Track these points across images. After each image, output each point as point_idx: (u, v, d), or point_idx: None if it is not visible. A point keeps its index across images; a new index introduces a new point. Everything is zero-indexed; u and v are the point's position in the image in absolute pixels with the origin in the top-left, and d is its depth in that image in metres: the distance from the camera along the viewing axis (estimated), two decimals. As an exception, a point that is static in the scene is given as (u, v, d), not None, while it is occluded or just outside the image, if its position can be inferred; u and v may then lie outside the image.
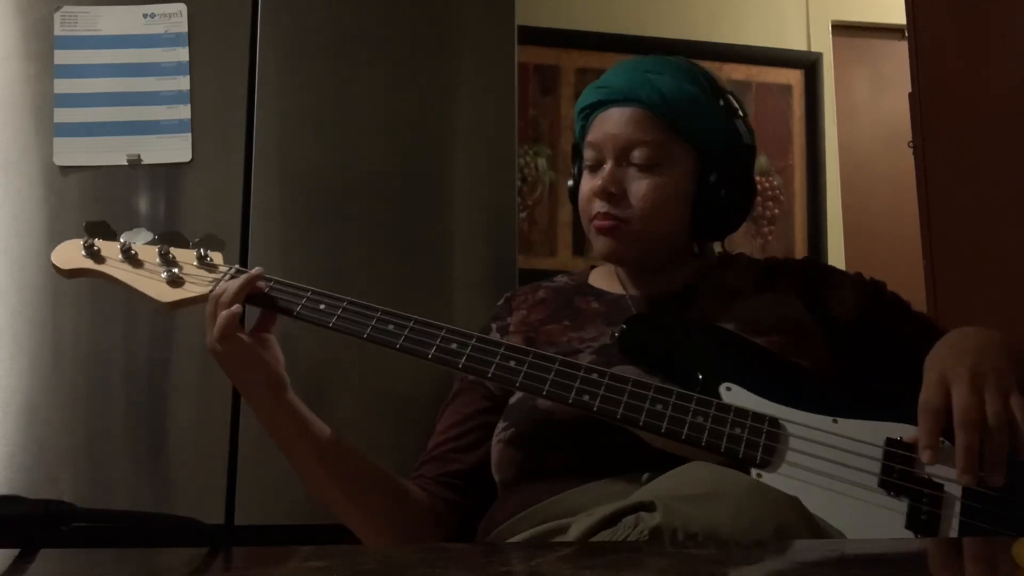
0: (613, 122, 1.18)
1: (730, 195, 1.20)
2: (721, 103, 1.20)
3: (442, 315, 1.56)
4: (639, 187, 1.16)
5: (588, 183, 1.20)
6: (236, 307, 1.08)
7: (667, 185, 1.17)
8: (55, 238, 1.49)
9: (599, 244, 1.20)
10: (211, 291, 1.11)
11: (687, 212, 1.20)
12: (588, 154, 1.21)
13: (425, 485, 1.18)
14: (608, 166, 1.18)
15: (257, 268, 1.13)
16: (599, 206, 1.18)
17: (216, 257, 1.17)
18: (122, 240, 1.15)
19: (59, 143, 1.54)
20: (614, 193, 1.17)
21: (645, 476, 0.99)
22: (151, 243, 1.17)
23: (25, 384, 1.48)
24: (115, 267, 1.15)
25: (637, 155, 1.17)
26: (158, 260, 1.15)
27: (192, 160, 1.55)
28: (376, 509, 1.14)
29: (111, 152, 1.55)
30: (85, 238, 1.15)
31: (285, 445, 1.13)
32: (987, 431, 0.91)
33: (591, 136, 1.21)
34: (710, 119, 1.19)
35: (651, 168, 1.16)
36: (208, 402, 1.50)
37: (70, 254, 1.15)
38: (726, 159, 1.20)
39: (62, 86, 1.56)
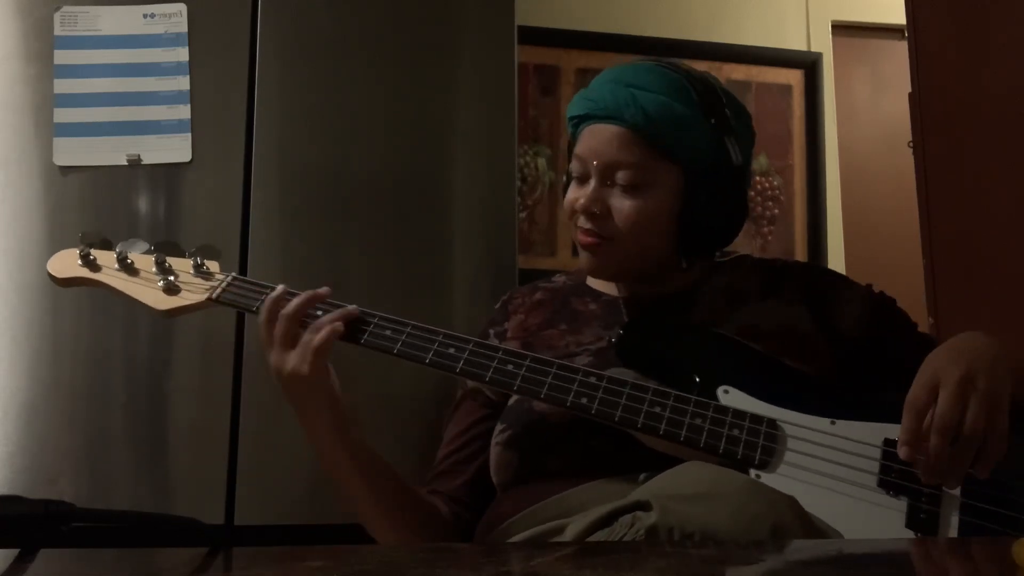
0: (597, 140, 1.16)
1: (717, 214, 1.18)
2: (712, 121, 1.16)
3: (442, 315, 1.57)
4: (622, 207, 1.15)
5: (574, 193, 1.19)
6: (340, 325, 1.06)
7: (650, 206, 1.15)
8: (55, 238, 1.51)
9: (583, 258, 1.20)
10: (270, 307, 1.08)
11: (672, 230, 1.17)
12: (575, 165, 1.19)
13: (444, 503, 1.19)
14: (592, 184, 1.16)
15: (353, 306, 1.10)
16: (583, 222, 1.17)
17: (212, 265, 1.17)
18: (118, 249, 1.16)
19: (59, 143, 1.54)
20: (596, 213, 1.15)
21: (642, 476, 0.99)
22: (147, 252, 1.17)
23: (25, 384, 1.48)
24: (111, 275, 1.16)
25: (621, 176, 1.15)
26: (154, 269, 1.15)
27: (192, 160, 1.55)
28: (413, 530, 1.14)
29: (111, 152, 1.55)
30: (81, 247, 1.16)
31: (336, 476, 1.12)
32: (960, 438, 0.90)
33: (578, 149, 1.19)
34: (697, 139, 1.15)
35: (634, 189, 1.15)
36: (208, 402, 1.50)
37: (66, 263, 1.16)
38: (713, 179, 1.16)
39: (62, 86, 1.56)
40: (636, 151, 1.14)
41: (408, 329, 1.09)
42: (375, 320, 1.10)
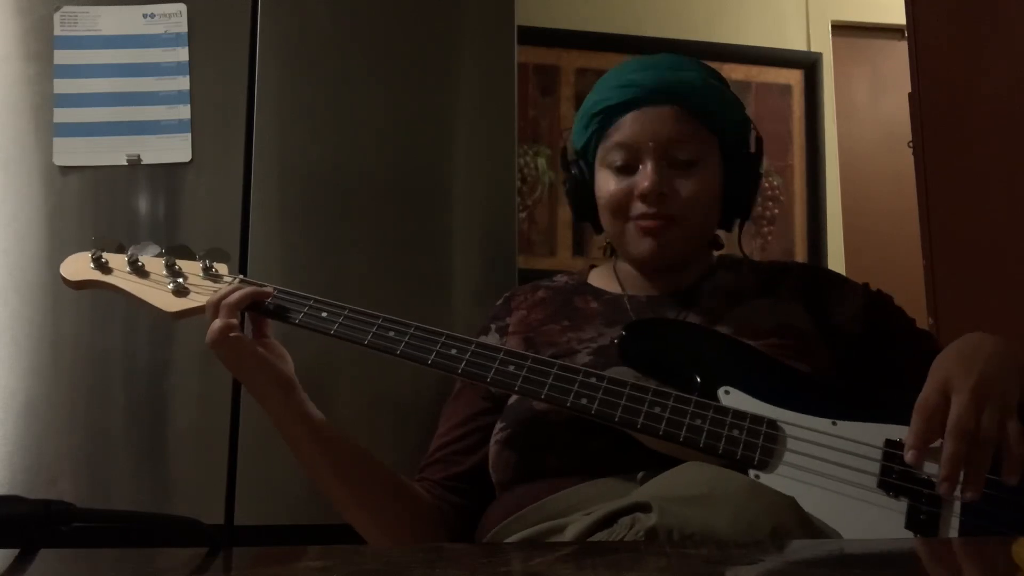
0: (651, 121, 1.16)
1: (747, 186, 1.24)
2: (735, 96, 1.24)
3: (442, 315, 1.57)
4: (684, 186, 1.16)
5: (622, 183, 1.18)
6: (224, 321, 1.09)
7: (708, 180, 1.18)
8: (55, 238, 1.51)
9: (643, 245, 1.18)
10: (216, 298, 1.12)
11: (719, 204, 1.22)
12: (617, 155, 1.18)
13: (430, 488, 1.18)
14: (649, 167, 1.15)
15: (269, 287, 1.14)
16: (642, 208, 1.16)
17: (221, 268, 1.18)
18: (129, 252, 1.17)
19: (59, 143, 1.54)
20: (664, 194, 1.16)
21: (640, 475, 0.99)
22: (158, 255, 1.18)
23: (25, 384, 1.48)
24: (122, 278, 1.17)
25: (680, 153, 1.16)
26: (164, 271, 1.17)
27: (192, 160, 1.55)
28: (383, 510, 1.14)
29: (111, 152, 1.55)
30: (93, 250, 1.17)
31: (294, 444, 1.13)
32: (975, 446, 0.90)
33: (621, 137, 1.17)
34: (731, 112, 1.22)
35: (692, 165, 1.17)
36: (208, 402, 1.50)
37: (78, 266, 1.18)
38: (744, 148, 1.23)
39: (62, 86, 1.56)
40: (691, 127, 1.18)
41: (411, 331, 1.09)
42: (379, 322, 1.10)
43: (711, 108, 1.19)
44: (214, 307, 1.10)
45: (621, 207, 1.19)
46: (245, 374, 1.12)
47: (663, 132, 1.16)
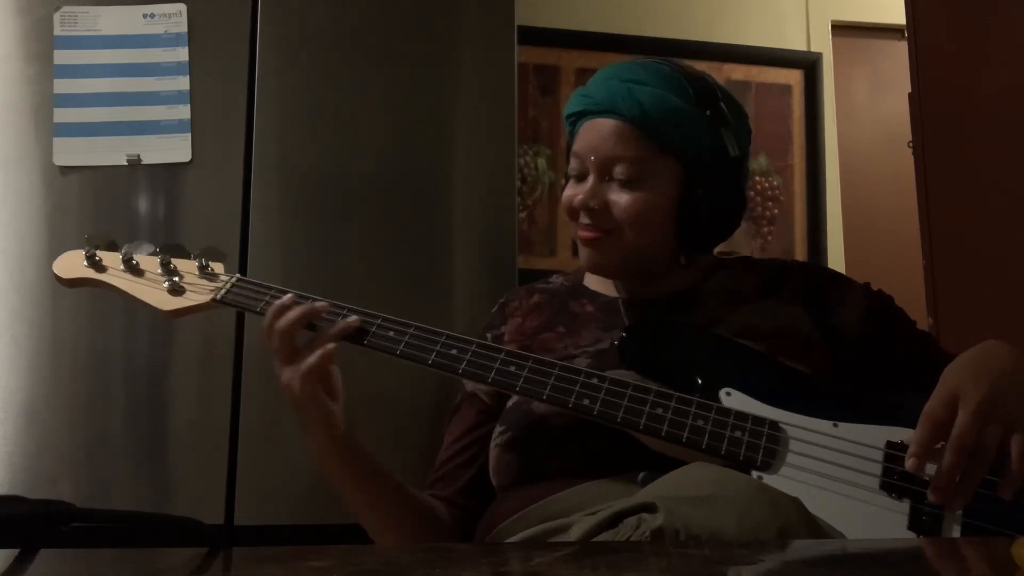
0: (595, 135, 1.16)
1: (715, 207, 1.17)
2: (708, 113, 1.16)
3: (442, 315, 1.57)
4: (620, 201, 1.14)
5: (571, 191, 1.18)
6: (332, 346, 1.06)
7: (649, 199, 1.15)
8: (55, 238, 1.51)
9: (583, 254, 1.19)
10: (269, 319, 1.08)
11: (671, 224, 1.17)
12: (573, 163, 1.19)
13: (445, 506, 1.19)
14: (591, 180, 1.16)
15: (323, 300, 1.10)
16: (582, 217, 1.17)
17: (217, 267, 1.18)
18: (123, 251, 1.17)
19: (59, 143, 1.54)
20: (595, 208, 1.15)
21: (641, 476, 0.99)
22: (152, 254, 1.18)
23: (25, 384, 1.48)
24: (116, 276, 1.16)
25: (619, 170, 1.14)
26: (159, 270, 1.16)
27: (192, 160, 1.55)
28: (411, 534, 1.15)
29: (111, 152, 1.55)
30: (87, 248, 1.16)
31: (330, 476, 1.13)
32: (973, 458, 0.90)
33: (576, 146, 1.19)
34: (693, 131, 1.15)
35: (632, 183, 1.14)
36: (208, 402, 1.50)
37: (72, 264, 1.17)
38: (711, 171, 1.16)
39: (62, 86, 1.56)
40: (633, 144, 1.14)
41: (411, 331, 1.09)
42: (378, 322, 1.10)
43: (661, 127, 1.14)
44: (274, 319, 1.07)
45: (568, 214, 1.20)
46: (308, 413, 1.09)
47: (603, 148, 1.15)
